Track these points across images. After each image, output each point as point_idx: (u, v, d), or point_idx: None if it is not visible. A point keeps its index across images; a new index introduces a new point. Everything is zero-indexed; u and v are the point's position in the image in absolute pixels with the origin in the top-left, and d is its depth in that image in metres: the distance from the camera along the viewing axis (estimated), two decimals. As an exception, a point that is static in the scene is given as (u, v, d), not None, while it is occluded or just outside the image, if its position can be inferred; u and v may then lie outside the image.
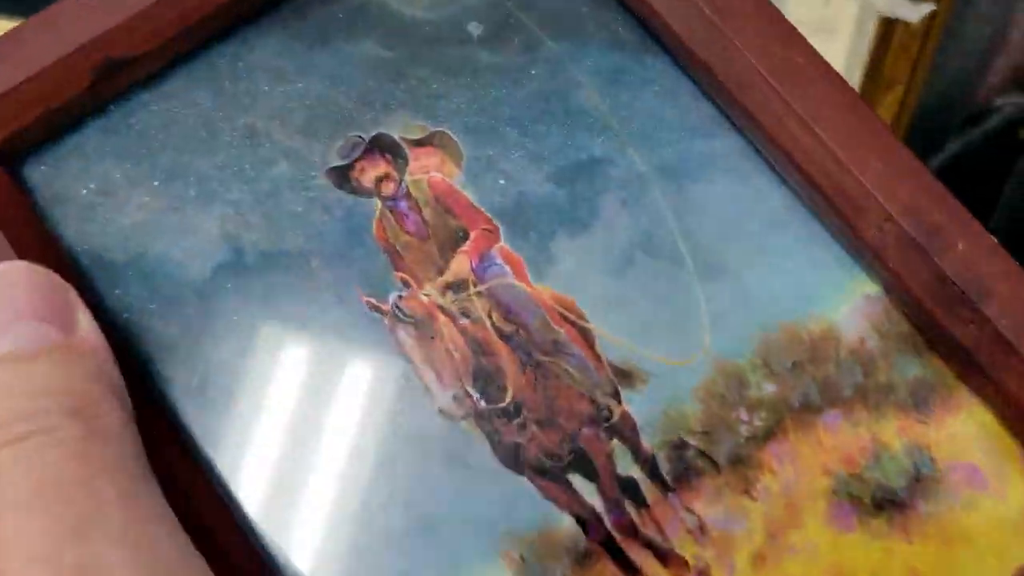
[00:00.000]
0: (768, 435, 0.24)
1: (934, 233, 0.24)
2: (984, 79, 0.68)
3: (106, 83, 0.25)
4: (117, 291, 0.24)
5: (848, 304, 0.25)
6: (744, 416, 0.24)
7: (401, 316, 0.24)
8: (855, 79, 0.65)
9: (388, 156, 0.26)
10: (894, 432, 0.24)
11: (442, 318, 0.24)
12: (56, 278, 0.21)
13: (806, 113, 0.24)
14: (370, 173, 0.26)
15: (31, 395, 0.19)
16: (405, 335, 0.24)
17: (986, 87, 0.68)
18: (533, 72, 0.27)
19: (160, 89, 0.26)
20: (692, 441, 0.24)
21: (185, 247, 0.25)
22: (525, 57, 0.27)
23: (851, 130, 0.24)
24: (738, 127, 0.26)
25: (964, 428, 0.24)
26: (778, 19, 0.25)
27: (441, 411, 0.24)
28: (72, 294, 0.21)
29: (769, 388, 0.24)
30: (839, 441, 0.24)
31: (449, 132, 0.26)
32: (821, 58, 0.24)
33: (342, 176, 0.26)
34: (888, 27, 0.63)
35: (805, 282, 0.25)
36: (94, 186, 0.25)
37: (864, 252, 0.24)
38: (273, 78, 0.26)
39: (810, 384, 0.24)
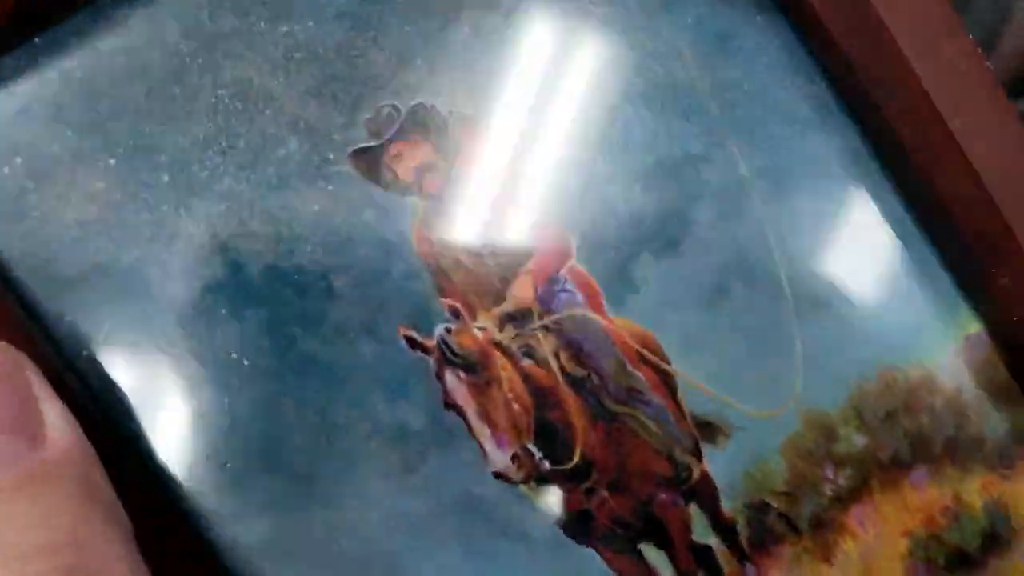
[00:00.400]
0: (853, 495, 0.22)
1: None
2: None
3: (30, 8, 0.17)
4: (67, 319, 0.18)
5: (950, 347, 0.22)
6: (830, 474, 0.22)
7: (450, 356, 0.19)
8: None
9: (433, 138, 0.20)
10: (977, 490, 0.22)
11: (500, 359, 0.20)
12: (15, 362, 0.15)
13: (960, 133, 0.20)
14: (408, 161, 0.19)
15: (17, 556, 0.14)
16: (455, 380, 0.20)
17: None
18: (618, 26, 0.20)
19: (110, 21, 0.18)
20: (774, 503, 0.21)
21: (162, 259, 0.18)
22: (611, 5, 0.20)
23: (1009, 165, 0.20)
24: (859, 118, 0.22)
25: (1044, 483, 0.23)
26: (943, 8, 0.20)
27: (497, 474, 0.20)
28: (31, 373, 0.15)
29: (859, 442, 0.22)
30: (923, 501, 0.22)
31: (512, 107, 0.20)
32: (987, 67, 0.20)
33: (372, 162, 0.19)
34: None
35: (909, 321, 0.22)
36: (20, 163, 0.18)
37: (985, 297, 0.21)
38: (273, 11, 0.19)
39: (902, 437, 0.22)
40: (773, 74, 0.21)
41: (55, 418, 0.16)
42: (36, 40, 0.18)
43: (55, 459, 0.15)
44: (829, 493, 0.22)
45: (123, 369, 0.18)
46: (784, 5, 0.21)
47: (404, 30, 0.20)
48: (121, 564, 0.15)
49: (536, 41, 0.21)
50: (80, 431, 0.16)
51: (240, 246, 0.19)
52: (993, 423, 0.23)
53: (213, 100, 0.19)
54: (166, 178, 0.18)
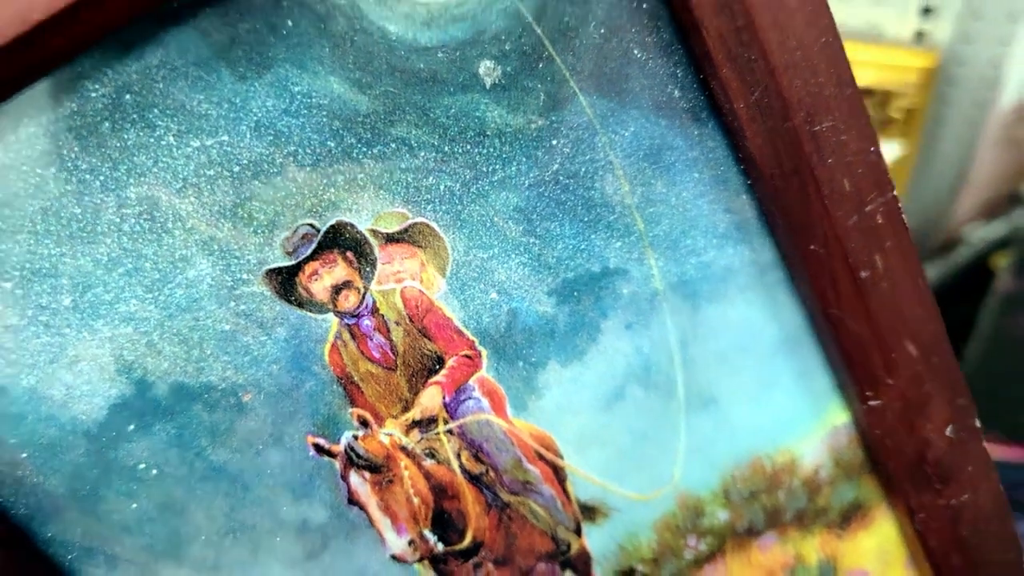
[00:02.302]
0: (708, 558, 0.25)
1: (924, 412, 0.23)
2: (952, 212, 0.69)
3: None
4: None
5: (818, 435, 0.25)
6: (692, 543, 0.24)
7: (356, 460, 0.20)
8: None
9: (350, 256, 0.19)
10: (815, 547, 0.26)
11: (404, 460, 0.21)
12: None
13: (865, 277, 0.20)
14: (325, 279, 0.19)
15: None
16: (359, 480, 0.21)
17: (954, 219, 0.69)
18: (555, 144, 0.20)
19: (1, 133, 0.16)
20: (640, 568, 0.24)
21: (67, 381, 0.18)
22: (548, 120, 0.19)
23: (906, 313, 0.21)
24: (775, 233, 0.22)
25: (869, 540, 0.27)
26: (877, 165, 0.19)
27: (395, 557, 0.22)
28: None
29: (722, 517, 0.25)
30: (767, 559, 0.26)
31: (435, 225, 0.19)
32: (904, 224, 0.20)
33: (286, 282, 0.19)
34: None
35: (785, 415, 0.24)
36: None
37: (855, 405, 0.23)
38: (183, 124, 0.17)
39: (759, 512, 0.25)
40: (700, 187, 0.22)
41: None
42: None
43: None
44: (688, 558, 0.25)
45: (31, 485, 0.19)
46: (720, 121, 0.21)
47: (326, 145, 0.18)
48: None
49: (468, 157, 0.20)
50: None
51: (148, 366, 0.19)
52: (841, 493, 0.26)
53: (117, 220, 0.18)
54: (67, 301, 0.18)
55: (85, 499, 0.20)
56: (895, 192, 0.22)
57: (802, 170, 0.21)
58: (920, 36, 0.60)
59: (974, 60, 0.61)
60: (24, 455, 0.19)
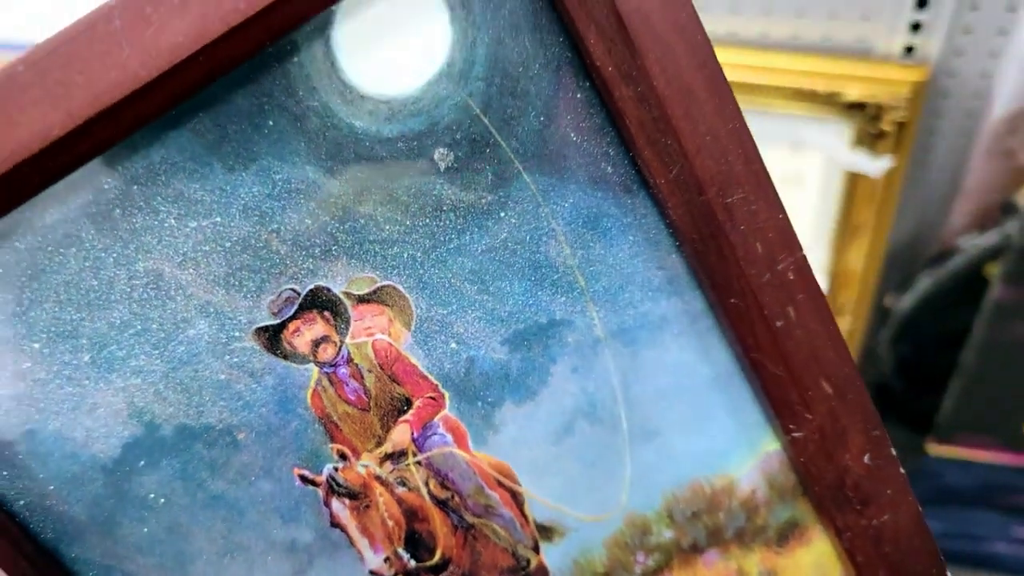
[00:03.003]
0: (656, 573, 0.27)
1: (841, 442, 0.25)
2: (945, 222, 0.69)
3: None
4: (4, 473, 0.21)
5: (752, 461, 0.27)
6: (641, 558, 0.27)
7: (336, 488, 0.23)
8: (825, 227, 0.65)
9: (327, 315, 0.22)
10: (756, 563, 0.28)
11: (379, 488, 0.24)
12: None
13: (780, 326, 0.23)
14: (306, 335, 0.22)
15: None
16: (340, 506, 0.24)
17: (948, 229, 0.69)
18: (503, 215, 0.23)
19: (28, 222, 0.19)
20: (593, 581, 0.27)
21: (87, 425, 0.21)
22: (496, 195, 0.22)
23: (818, 355, 0.23)
24: (701, 287, 0.25)
25: (806, 556, 0.29)
26: (783, 228, 0.22)
27: (373, 572, 0.24)
28: None
29: (667, 535, 0.27)
30: (712, 573, 0.28)
31: (400, 287, 0.22)
32: (814, 280, 0.23)
33: (273, 338, 0.22)
34: (853, 178, 0.63)
35: (721, 443, 0.27)
36: None
37: (782, 437, 0.26)
38: (182, 208, 0.20)
39: (701, 530, 0.27)
40: (635, 248, 0.24)
41: None
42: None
43: None
44: (638, 572, 0.28)
45: (57, 513, 0.21)
46: (648, 192, 0.24)
47: (304, 223, 0.21)
48: None
49: (427, 229, 0.23)
50: None
51: (155, 410, 0.22)
52: (777, 513, 0.28)
53: (128, 289, 0.21)
54: (87, 358, 0.21)
55: (103, 524, 0.23)
56: (803, 252, 0.24)
57: (718, 236, 0.24)
58: (910, 50, 0.61)
59: (965, 72, 0.62)
60: (52, 487, 0.22)
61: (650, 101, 0.22)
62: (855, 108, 0.62)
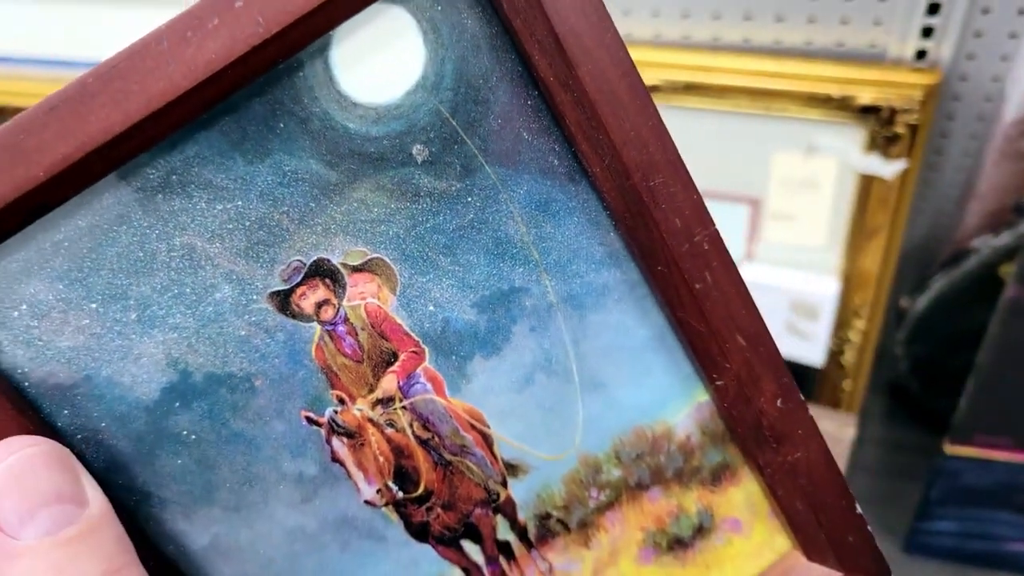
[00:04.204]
0: (608, 506, 0.31)
1: (757, 388, 0.30)
2: (959, 224, 0.69)
3: (26, 200, 0.23)
4: (65, 413, 0.25)
5: (686, 410, 0.31)
6: (594, 494, 0.31)
7: (336, 428, 0.27)
8: (840, 230, 0.66)
9: (328, 282, 0.26)
10: (694, 500, 0.33)
11: (371, 429, 0.28)
12: (63, 452, 0.22)
13: (699, 288, 0.28)
14: (310, 299, 0.26)
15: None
16: (339, 443, 0.28)
17: (962, 230, 0.69)
18: (469, 200, 0.27)
19: (89, 206, 0.24)
20: (555, 513, 0.31)
21: (132, 372, 0.25)
22: (463, 183, 0.27)
23: (731, 313, 0.28)
24: (635, 257, 0.29)
25: (738, 494, 0.33)
26: (697, 205, 0.27)
27: (367, 502, 0.28)
28: (74, 462, 0.22)
29: (616, 473, 0.31)
30: (656, 508, 0.32)
31: (387, 259, 0.27)
32: (726, 251, 0.27)
33: (283, 301, 0.26)
34: (867, 182, 0.63)
35: (657, 395, 0.31)
36: (26, 308, 0.24)
37: (710, 386, 0.30)
38: (211, 194, 0.25)
39: (645, 470, 0.31)
40: (580, 227, 0.29)
41: (91, 488, 0.23)
42: (35, 222, 0.23)
43: (98, 517, 0.23)
44: (592, 506, 0.32)
45: (108, 446, 0.25)
46: (588, 181, 0.28)
47: (309, 206, 0.26)
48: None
49: (408, 211, 0.27)
50: (105, 497, 0.23)
51: (188, 360, 0.26)
52: (710, 456, 0.33)
53: (167, 259, 0.25)
54: (133, 316, 0.25)
55: (145, 456, 0.27)
56: (716, 227, 0.29)
57: (644, 214, 0.28)
58: (922, 55, 0.61)
59: (976, 76, 0.62)
60: (103, 424, 0.26)
61: (584, 104, 0.27)
62: (868, 112, 0.62)
